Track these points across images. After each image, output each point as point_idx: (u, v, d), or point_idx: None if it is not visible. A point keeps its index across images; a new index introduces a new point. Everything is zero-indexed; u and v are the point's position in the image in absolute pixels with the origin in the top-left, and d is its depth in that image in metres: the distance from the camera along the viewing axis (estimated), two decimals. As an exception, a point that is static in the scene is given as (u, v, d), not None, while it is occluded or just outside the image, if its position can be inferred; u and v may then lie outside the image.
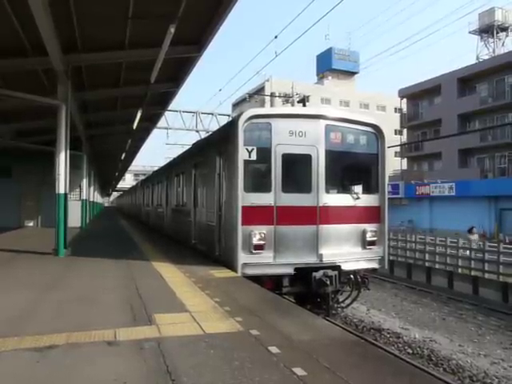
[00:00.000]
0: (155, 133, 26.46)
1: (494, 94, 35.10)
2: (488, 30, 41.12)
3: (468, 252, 17.46)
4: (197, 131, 27.95)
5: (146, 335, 4.32)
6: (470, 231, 20.46)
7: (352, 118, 8.97)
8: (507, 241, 23.40)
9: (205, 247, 10.25)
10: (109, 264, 9.19)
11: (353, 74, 60.22)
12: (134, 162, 45.71)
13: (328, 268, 8.14)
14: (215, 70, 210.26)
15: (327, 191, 8.35)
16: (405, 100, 43.76)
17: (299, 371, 3.44)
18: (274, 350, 3.92)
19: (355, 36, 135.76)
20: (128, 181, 77.00)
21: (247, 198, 7.93)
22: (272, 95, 36.69)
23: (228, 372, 3.44)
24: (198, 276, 7.55)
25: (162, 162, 34.16)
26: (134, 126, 17.30)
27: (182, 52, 11.01)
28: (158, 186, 19.77)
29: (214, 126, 26.48)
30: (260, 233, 7.91)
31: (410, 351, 9.04)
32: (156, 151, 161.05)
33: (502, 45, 41.40)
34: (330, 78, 58.40)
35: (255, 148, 8.02)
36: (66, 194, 10.57)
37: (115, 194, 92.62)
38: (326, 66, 58.52)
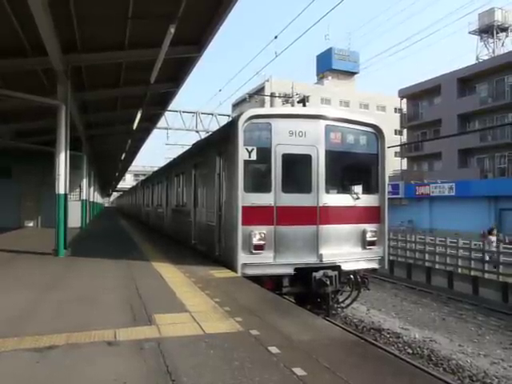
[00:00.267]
0: (155, 133, 26.50)
1: (493, 94, 35.11)
2: (488, 30, 41.15)
3: (468, 252, 17.46)
4: (197, 131, 27.94)
5: (146, 335, 4.32)
6: (490, 232, 19.98)
7: (352, 118, 8.97)
8: (507, 241, 23.36)
9: (205, 247, 10.25)
10: (109, 264, 9.19)
11: (353, 74, 60.24)
12: (134, 163, 45.73)
13: (328, 268, 8.14)
14: (215, 70, 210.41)
15: (327, 191, 8.35)
16: (405, 100, 43.77)
17: (299, 371, 3.44)
18: (273, 350, 3.92)
19: (355, 36, 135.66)
20: (128, 181, 76.98)
21: (247, 198, 7.93)
22: (272, 95, 36.67)
23: (228, 372, 3.44)
24: (197, 276, 7.55)
25: (162, 163, 34.21)
26: (134, 127, 17.30)
27: (182, 52, 11.01)
28: (158, 186, 19.77)
29: (214, 127, 26.49)
30: (260, 233, 7.91)
31: (410, 351, 9.05)
32: (156, 151, 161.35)
33: (502, 45, 41.49)
34: (329, 78, 58.41)
35: (255, 148, 8.02)
36: (65, 195, 10.57)
37: (115, 195, 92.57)
38: (326, 66, 58.54)
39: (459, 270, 17.15)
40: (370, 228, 8.72)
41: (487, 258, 16.64)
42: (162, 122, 25.28)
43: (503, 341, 10.45)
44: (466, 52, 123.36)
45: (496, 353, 9.53)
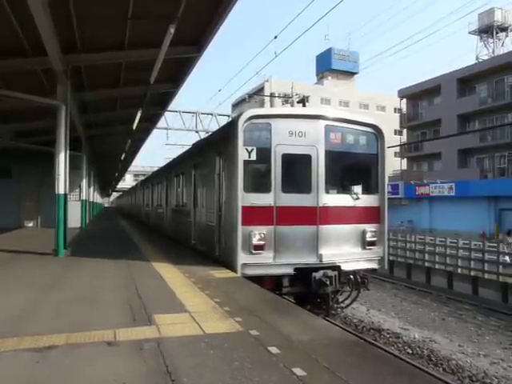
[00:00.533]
0: (155, 133, 26.50)
1: (493, 94, 35.14)
2: (488, 30, 41.19)
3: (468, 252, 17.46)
4: (196, 131, 27.90)
5: (146, 335, 4.32)
6: (510, 233, 19.75)
7: (352, 119, 8.97)
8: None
9: (205, 247, 10.25)
10: (108, 264, 9.18)
11: (352, 74, 60.28)
12: (134, 163, 45.75)
13: (328, 268, 8.14)
14: (215, 70, 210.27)
15: (327, 191, 8.35)
16: (404, 100, 43.79)
17: (299, 371, 3.44)
18: (273, 350, 3.92)
19: (355, 36, 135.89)
20: (128, 181, 76.92)
21: (247, 199, 7.93)
22: (272, 95, 36.65)
23: (228, 372, 3.44)
24: (197, 276, 7.54)
25: (162, 163, 34.18)
26: (134, 127, 17.29)
27: (182, 52, 11.01)
28: (157, 186, 19.77)
29: (214, 127, 26.48)
30: (260, 233, 7.91)
31: (410, 351, 9.05)
32: (156, 152, 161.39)
33: (502, 45, 41.53)
34: (329, 78, 58.44)
35: (255, 148, 8.02)
36: (65, 195, 10.57)
37: (115, 195, 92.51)
38: (326, 66, 58.59)
39: (459, 270, 17.17)
40: (369, 228, 8.72)
41: (508, 261, 16.26)
42: (161, 122, 25.28)
43: (503, 341, 10.45)
44: (466, 52, 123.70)
45: (496, 353, 9.54)
